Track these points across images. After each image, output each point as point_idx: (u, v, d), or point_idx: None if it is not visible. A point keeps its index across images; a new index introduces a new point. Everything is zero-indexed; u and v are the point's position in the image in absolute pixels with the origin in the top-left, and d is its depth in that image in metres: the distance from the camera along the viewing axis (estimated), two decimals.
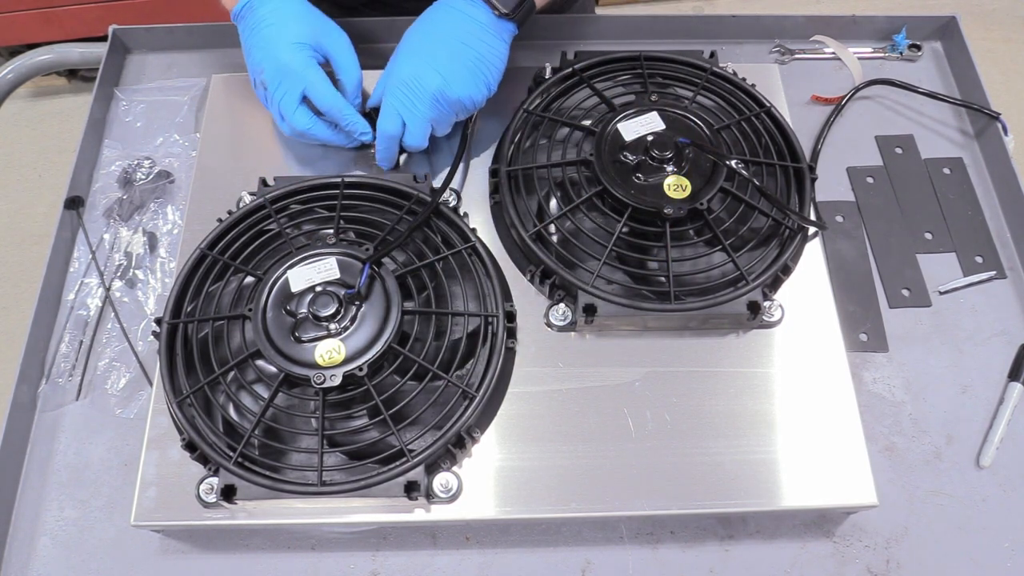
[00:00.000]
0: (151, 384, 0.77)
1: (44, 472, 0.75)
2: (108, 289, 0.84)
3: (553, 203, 0.78)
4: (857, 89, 0.96)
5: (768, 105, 0.83)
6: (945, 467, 0.76)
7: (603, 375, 0.72)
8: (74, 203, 0.88)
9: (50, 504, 0.73)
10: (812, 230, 0.78)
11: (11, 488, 0.74)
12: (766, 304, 0.73)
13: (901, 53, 1.00)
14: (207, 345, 0.70)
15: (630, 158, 0.77)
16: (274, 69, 0.78)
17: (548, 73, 0.86)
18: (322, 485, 0.64)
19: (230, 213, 0.77)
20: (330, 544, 0.72)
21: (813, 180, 0.80)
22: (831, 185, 0.91)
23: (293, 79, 0.77)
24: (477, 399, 0.67)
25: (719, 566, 0.71)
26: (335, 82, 0.81)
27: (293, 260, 0.71)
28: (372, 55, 1.00)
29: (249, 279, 0.73)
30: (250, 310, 0.69)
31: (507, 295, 0.75)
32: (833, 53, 1.00)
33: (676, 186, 0.76)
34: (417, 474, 0.64)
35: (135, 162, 0.91)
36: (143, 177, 0.90)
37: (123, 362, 0.80)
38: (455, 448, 0.67)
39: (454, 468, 0.68)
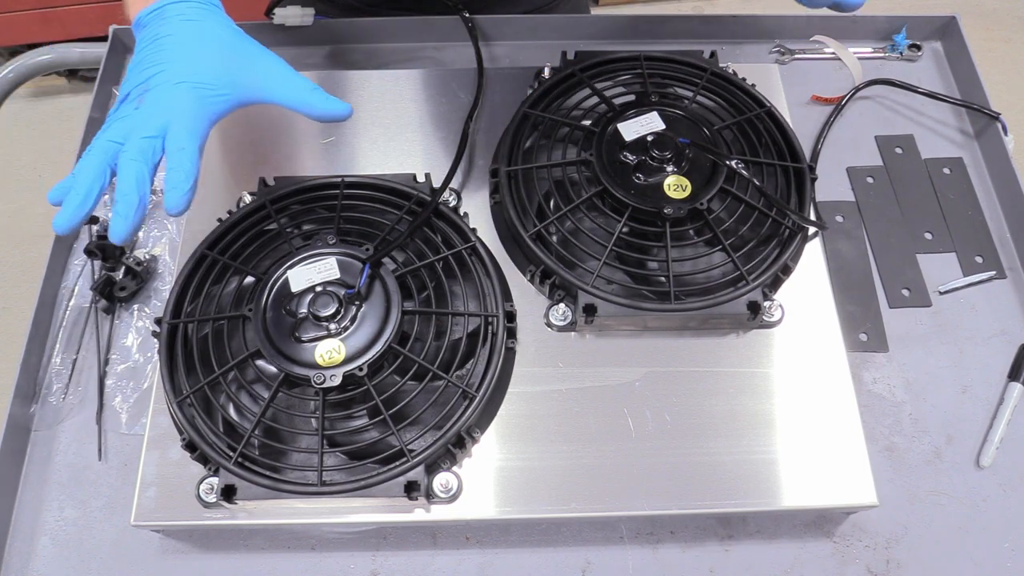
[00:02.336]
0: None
1: (44, 472, 0.75)
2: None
3: (553, 203, 0.78)
4: (857, 89, 0.96)
5: (768, 105, 0.83)
6: (945, 467, 0.76)
7: (603, 375, 0.72)
8: None
9: (50, 504, 0.73)
10: (812, 230, 0.78)
11: (11, 488, 0.74)
12: (766, 304, 0.73)
13: (901, 53, 1.00)
14: (207, 345, 0.70)
15: (630, 158, 0.77)
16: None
17: (548, 73, 0.86)
18: (322, 485, 0.64)
19: (230, 213, 0.77)
20: (330, 544, 0.72)
21: (813, 180, 0.80)
22: (831, 185, 0.91)
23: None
24: (477, 399, 0.67)
25: (719, 566, 0.71)
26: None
27: (293, 260, 0.71)
28: (371, 55, 1.01)
29: (249, 279, 0.73)
30: (250, 310, 0.69)
31: (507, 295, 0.75)
32: (833, 53, 1.00)
33: (676, 186, 0.76)
34: (417, 474, 0.64)
35: None
36: None
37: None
38: (455, 448, 0.67)
39: (454, 468, 0.68)
